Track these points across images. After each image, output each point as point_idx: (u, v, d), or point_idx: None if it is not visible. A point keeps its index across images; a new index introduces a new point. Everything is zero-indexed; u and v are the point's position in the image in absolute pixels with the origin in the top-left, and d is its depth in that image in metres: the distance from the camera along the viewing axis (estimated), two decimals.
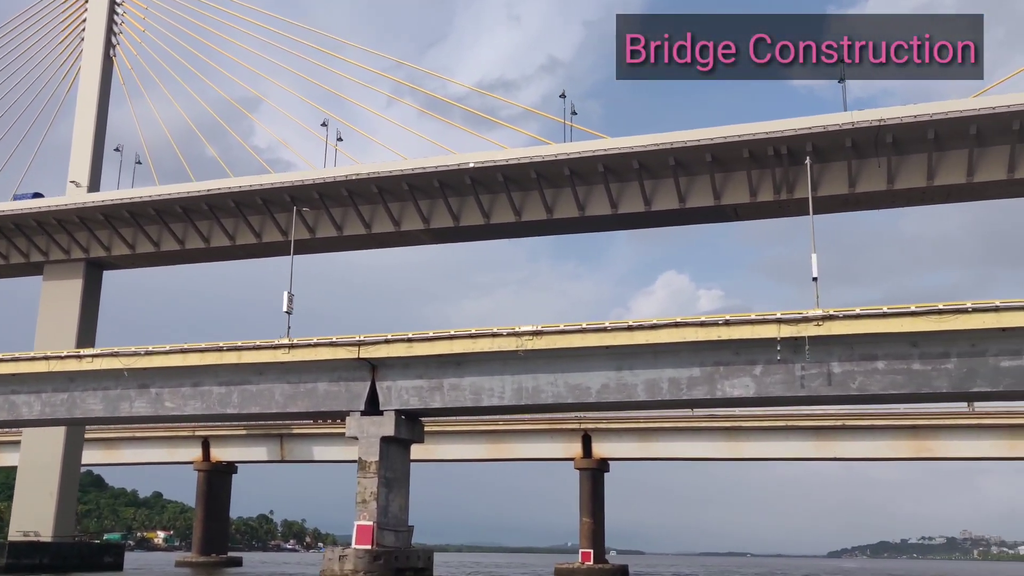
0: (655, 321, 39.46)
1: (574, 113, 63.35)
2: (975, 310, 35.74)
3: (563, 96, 63.87)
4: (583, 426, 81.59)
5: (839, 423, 73.78)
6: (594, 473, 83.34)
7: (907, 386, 37.20)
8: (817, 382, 37.82)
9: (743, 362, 38.82)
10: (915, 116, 55.11)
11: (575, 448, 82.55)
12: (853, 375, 37.76)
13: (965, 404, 71.64)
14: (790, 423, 75.06)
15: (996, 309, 35.74)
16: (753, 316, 37.79)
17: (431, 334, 42.39)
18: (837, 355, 37.99)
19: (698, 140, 57.68)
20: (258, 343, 44.71)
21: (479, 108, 68.46)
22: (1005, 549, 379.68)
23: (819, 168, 58.72)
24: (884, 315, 36.44)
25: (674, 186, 60.76)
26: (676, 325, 38.66)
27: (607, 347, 39.96)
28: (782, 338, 37.17)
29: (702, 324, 38.25)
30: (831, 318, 36.90)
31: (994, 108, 54.17)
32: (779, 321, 37.31)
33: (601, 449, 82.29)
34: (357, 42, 75.72)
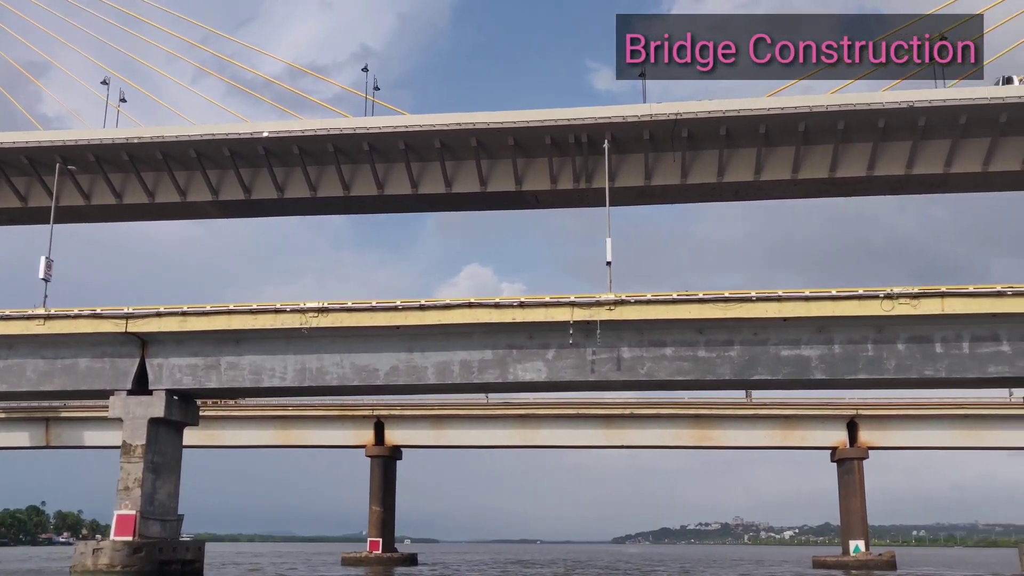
0: (448, 301, 38.23)
1: (376, 88, 61.21)
2: (759, 299, 36.49)
3: (365, 70, 61.65)
4: (376, 413, 79.62)
5: (628, 411, 75.27)
6: (386, 461, 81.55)
7: (693, 372, 37.58)
8: (607, 367, 37.63)
9: (536, 346, 38.14)
10: (709, 112, 56.34)
11: (367, 435, 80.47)
12: (642, 361, 37.80)
13: (744, 395, 74.77)
14: (581, 411, 75.96)
15: (779, 299, 36.62)
16: (548, 299, 37.19)
17: (208, 308, 39.43)
18: (627, 340, 37.93)
19: (501, 123, 56.80)
20: (7, 312, 40.18)
21: (289, 90, 65.05)
22: (772, 534, 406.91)
23: (617, 159, 59.27)
24: (674, 301, 36.63)
25: (476, 168, 59.72)
26: (470, 306, 37.52)
27: (397, 327, 38.35)
28: (575, 322, 36.71)
29: (496, 306, 37.29)
30: (623, 303, 36.75)
31: (782, 109, 56.23)
32: (573, 304, 36.86)
33: (394, 436, 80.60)
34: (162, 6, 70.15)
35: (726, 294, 36.61)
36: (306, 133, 59.13)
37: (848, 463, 75.07)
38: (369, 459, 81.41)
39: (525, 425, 78.22)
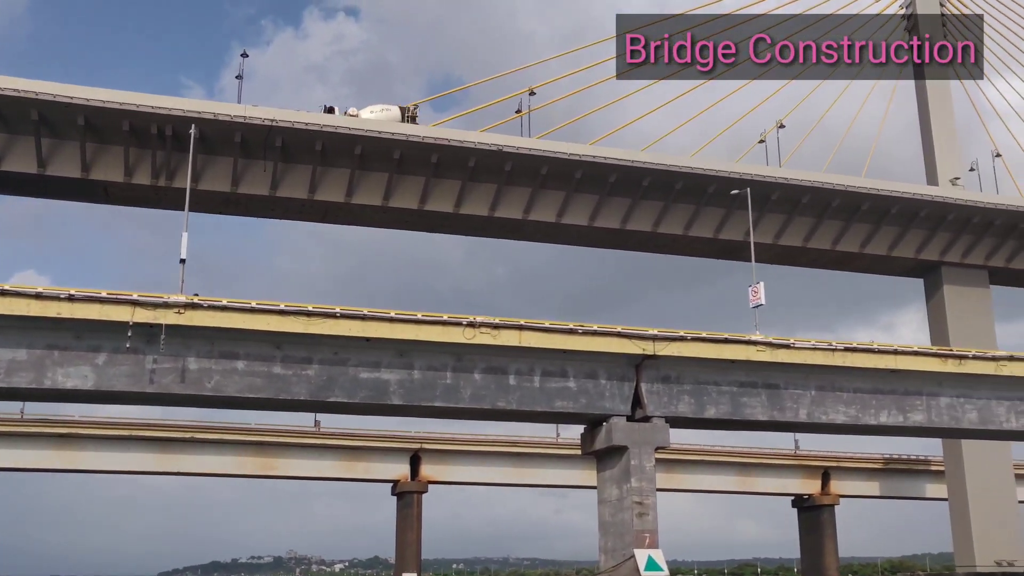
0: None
1: None
2: (343, 316, 34.56)
3: None
4: None
5: (187, 435, 69.64)
6: None
7: (266, 390, 34.61)
8: (170, 378, 33.42)
9: (85, 348, 32.90)
10: (306, 124, 54.24)
11: None
12: (210, 373, 34.10)
13: (312, 423, 72.55)
14: (134, 432, 68.94)
15: (363, 318, 34.97)
16: (104, 294, 32.24)
17: None
18: (196, 350, 34.06)
19: (71, 97, 50.05)
20: None
21: None
22: (324, 567, 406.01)
23: (204, 160, 54.91)
24: (252, 310, 33.51)
25: (35, 146, 52.05)
26: (4, 294, 31.42)
27: None
28: (135, 323, 32.16)
29: (39, 296, 31.63)
30: (195, 307, 32.92)
31: (379, 133, 55.59)
32: (135, 303, 32.30)
33: None
34: None
35: (309, 308, 34.24)
36: None
37: (408, 496, 75.47)
38: None
39: (66, 445, 69.16)
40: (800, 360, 40.14)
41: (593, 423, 39.99)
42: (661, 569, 37.13)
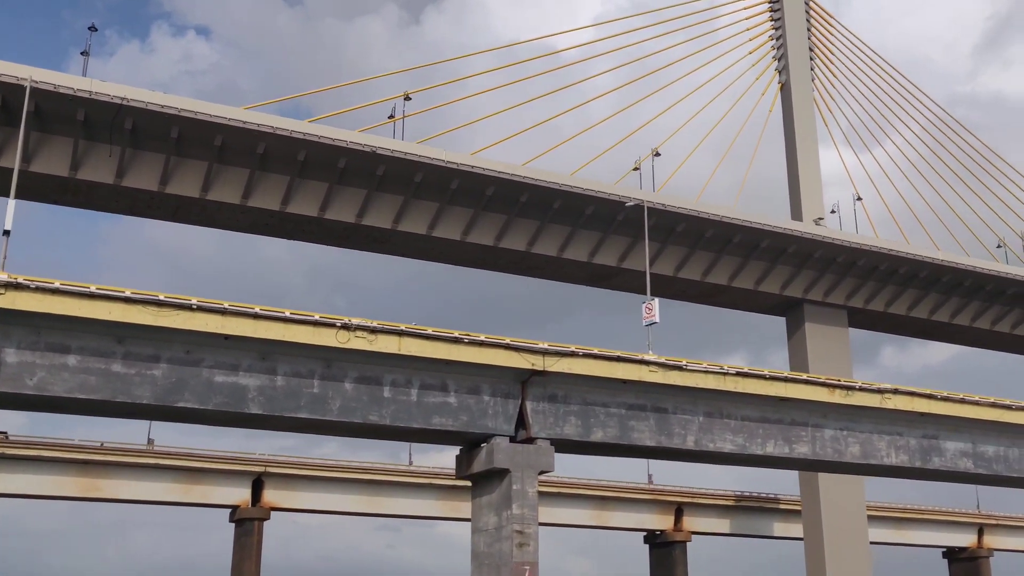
0: None
1: None
2: (200, 308, 30.10)
3: None
4: None
5: None
6: None
7: (102, 391, 29.65)
8: None
9: None
10: (162, 106, 49.10)
11: None
12: (33, 368, 28.94)
13: (146, 440, 66.19)
14: None
15: (223, 312, 30.59)
16: None
17: None
18: (18, 340, 28.88)
19: None
20: None
21: None
22: None
23: (39, 137, 48.95)
24: (91, 295, 28.64)
25: None
26: None
27: None
28: None
29: None
30: (18, 287, 27.82)
31: (244, 123, 50.99)
32: None
33: None
34: None
35: (161, 296, 29.57)
36: None
37: (248, 524, 69.69)
38: None
39: None
40: (692, 383, 38.05)
41: (472, 444, 36.60)
42: None
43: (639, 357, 37.36)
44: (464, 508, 76.98)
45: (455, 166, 55.88)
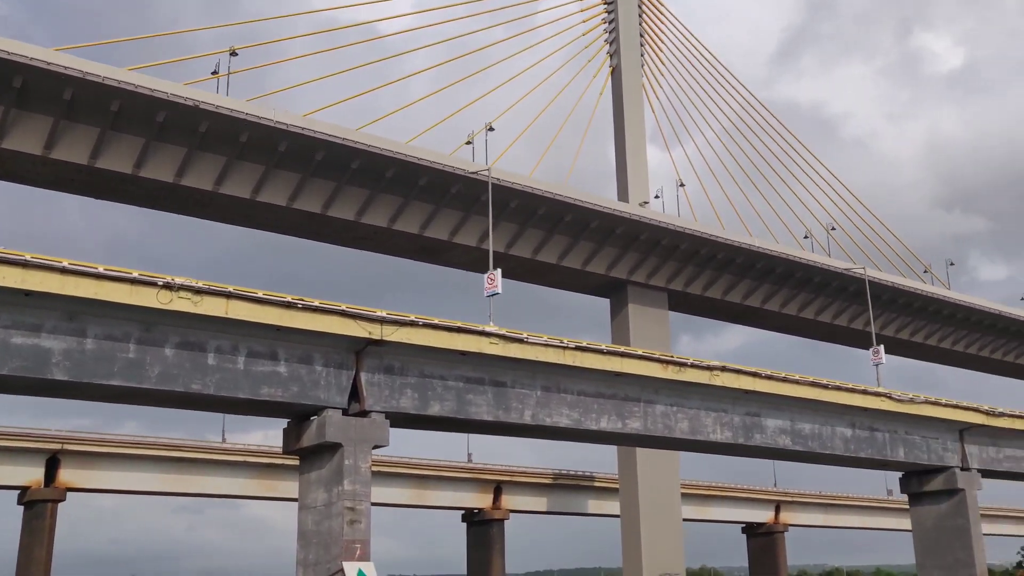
0: None
1: None
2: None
3: None
4: None
5: None
6: None
7: None
8: None
9: None
10: None
11: None
12: None
13: None
14: None
15: (24, 264, 27.30)
16: None
17: None
18: None
19: None
20: None
21: None
22: None
23: None
24: None
25: None
26: None
27: None
28: None
29: None
30: None
31: (47, 63, 46.28)
32: None
33: None
34: None
35: None
36: None
37: (40, 506, 64.28)
38: None
39: None
40: (532, 356, 37.25)
41: (302, 416, 34.44)
42: None
43: (480, 328, 36.23)
44: (282, 487, 74.20)
45: (284, 127, 52.99)
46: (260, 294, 31.44)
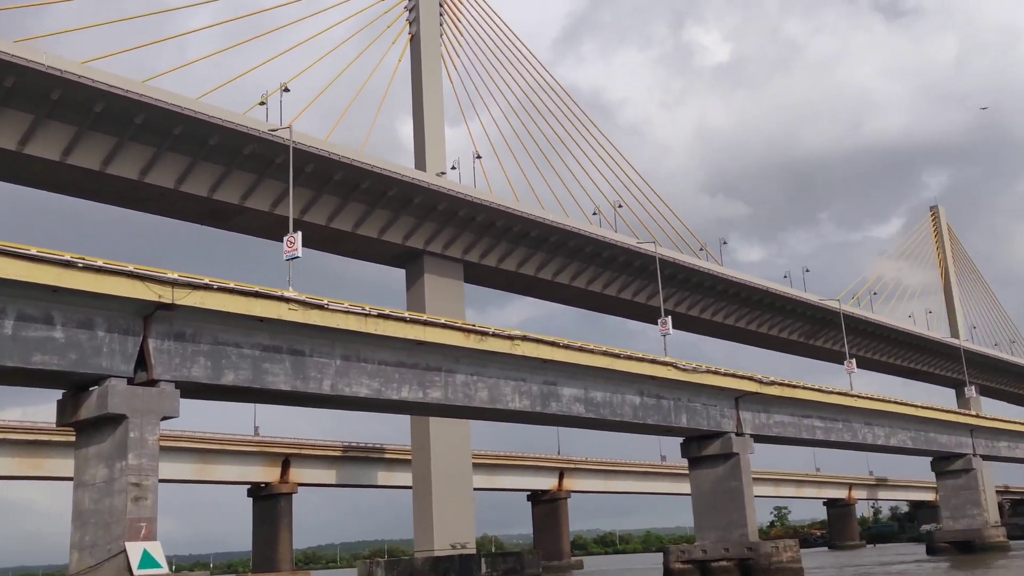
0: None
1: None
2: None
3: None
4: None
5: None
6: None
7: None
8: None
9: None
10: None
11: None
12: None
13: None
14: None
15: None
16: None
17: None
18: None
19: None
20: None
21: None
22: None
23: None
24: None
25: None
26: None
27: None
28: None
29: None
30: None
31: None
32: None
33: None
34: None
35: None
36: None
37: None
38: None
39: None
40: (333, 324, 36.07)
41: (81, 386, 31.77)
42: (159, 566, 30.44)
43: (279, 293, 34.66)
44: (47, 465, 69.01)
45: (58, 73, 48.59)
46: (33, 251, 28.61)
